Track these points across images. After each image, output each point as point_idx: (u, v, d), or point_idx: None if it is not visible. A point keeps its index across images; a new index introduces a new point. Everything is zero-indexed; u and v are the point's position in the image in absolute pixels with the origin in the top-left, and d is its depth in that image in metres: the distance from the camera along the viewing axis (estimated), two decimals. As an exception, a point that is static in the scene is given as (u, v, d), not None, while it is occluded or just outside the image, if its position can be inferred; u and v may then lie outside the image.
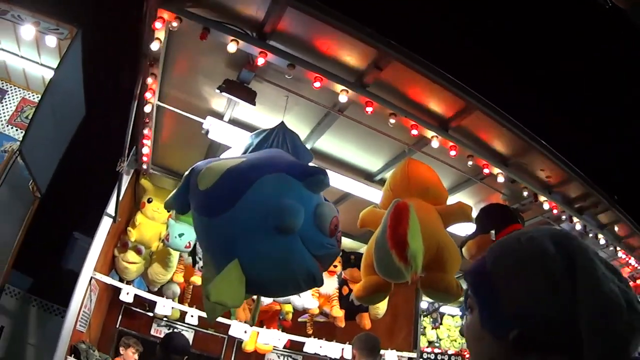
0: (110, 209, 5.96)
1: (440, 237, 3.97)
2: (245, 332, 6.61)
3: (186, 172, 3.62)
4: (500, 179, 5.16)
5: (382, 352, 7.11)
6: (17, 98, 10.26)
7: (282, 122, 4.19)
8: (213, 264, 3.20)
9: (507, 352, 1.09)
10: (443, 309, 8.55)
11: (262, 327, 7.04)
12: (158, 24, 3.76)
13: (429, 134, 4.68)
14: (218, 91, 4.34)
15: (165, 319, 7.77)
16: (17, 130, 9.99)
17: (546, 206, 5.59)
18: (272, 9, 3.87)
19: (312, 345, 7.03)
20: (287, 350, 8.21)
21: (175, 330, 7.86)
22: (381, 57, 4.19)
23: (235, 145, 4.35)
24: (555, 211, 5.68)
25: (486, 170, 5.08)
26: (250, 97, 4.36)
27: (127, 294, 6.13)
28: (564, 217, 5.82)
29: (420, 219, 3.43)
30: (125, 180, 6.08)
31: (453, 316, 8.74)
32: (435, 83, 4.37)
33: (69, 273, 16.72)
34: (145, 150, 5.67)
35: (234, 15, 4.00)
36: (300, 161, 3.77)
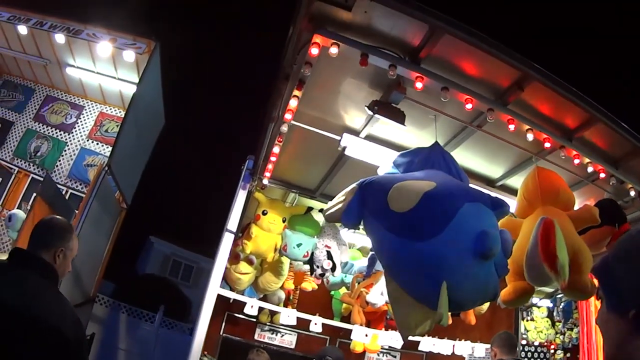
0: (232, 225, 6.17)
1: (575, 242, 4.25)
2: (367, 335, 6.86)
3: (352, 187, 3.87)
4: (613, 182, 5.45)
5: (486, 346, 7.43)
6: (95, 113, 10.52)
7: (437, 142, 4.43)
8: (406, 284, 3.41)
9: (629, 330, 1.26)
10: (533, 301, 8.74)
11: (368, 327, 7.30)
12: (314, 50, 4.00)
13: (558, 144, 4.98)
14: (368, 111, 4.58)
15: (269, 323, 8.02)
16: (97, 144, 10.26)
17: (650, 203, 5.84)
18: (429, 35, 4.14)
19: (426, 343, 7.30)
20: (385, 349, 8.41)
21: (280, 333, 8.11)
22: (524, 78, 4.49)
23: (382, 163, 4.61)
24: (657, 207, 5.93)
25: (602, 175, 5.37)
26: (400, 117, 4.60)
27: (252, 307, 6.33)
28: (665, 212, 6.08)
29: (560, 228, 3.81)
30: (243, 195, 6.31)
31: (539, 307, 8.90)
32: (567, 100, 4.67)
33: (154, 280, 17.15)
34: (270, 166, 5.89)
35: (385, 39, 4.24)
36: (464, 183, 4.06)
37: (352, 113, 5.26)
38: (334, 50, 3.99)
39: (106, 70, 9.47)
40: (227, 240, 6.14)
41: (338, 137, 5.28)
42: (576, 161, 5.13)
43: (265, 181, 6.28)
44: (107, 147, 10.09)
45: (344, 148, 5.24)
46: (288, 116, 4.85)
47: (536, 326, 8.83)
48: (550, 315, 8.94)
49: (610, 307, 1.36)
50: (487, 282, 3.32)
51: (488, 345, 7.59)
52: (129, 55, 8.50)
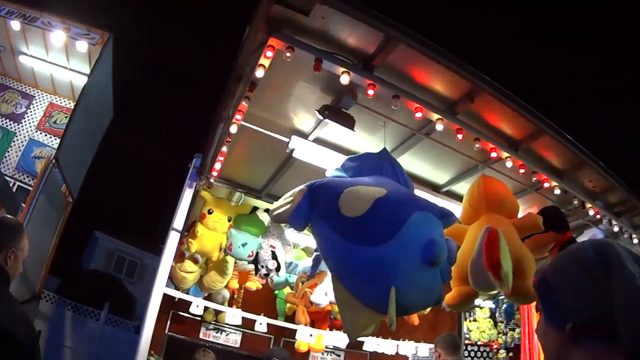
0: (178, 223, 6.08)
1: (518, 249, 4.39)
2: (311, 335, 6.88)
3: (300, 188, 3.85)
4: (557, 191, 5.61)
5: (430, 346, 7.57)
6: (44, 103, 10.19)
7: (385, 149, 4.47)
8: (355, 288, 3.41)
9: (567, 342, 1.33)
10: (475, 302, 8.92)
11: (313, 326, 7.34)
12: (269, 53, 3.98)
13: (504, 154, 5.08)
14: (319, 115, 4.58)
15: (213, 322, 7.96)
16: (46, 135, 9.96)
17: (591, 212, 6.06)
18: (384, 44, 4.16)
19: (370, 343, 7.34)
20: (329, 348, 8.43)
21: (224, 332, 8.06)
22: (475, 90, 4.59)
23: (330, 166, 4.62)
24: (598, 216, 6.14)
25: (546, 185, 5.53)
26: (349, 122, 4.63)
27: (197, 306, 6.25)
28: (604, 221, 6.31)
29: (504, 236, 3.92)
30: (189, 194, 6.23)
31: (481, 308, 9.09)
32: (516, 112, 4.81)
33: (99, 276, 16.77)
34: (218, 165, 5.81)
35: (340, 45, 4.25)
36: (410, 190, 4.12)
37: (302, 116, 5.26)
38: (288, 54, 3.96)
39: (58, 60, 9.18)
40: (173, 239, 5.99)
41: (287, 139, 5.26)
42: (521, 171, 5.25)
43: (212, 180, 6.19)
44: (56, 139, 9.80)
45: (292, 150, 5.23)
46: (238, 117, 4.79)
47: (479, 326, 9.02)
48: (492, 315, 9.15)
49: (549, 319, 1.44)
50: (432, 288, 3.42)
51: (432, 345, 7.72)
52: (82, 45, 8.28)
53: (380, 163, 4.24)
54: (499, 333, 8.87)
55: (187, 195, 6.15)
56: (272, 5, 3.83)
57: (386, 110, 4.72)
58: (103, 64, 8.64)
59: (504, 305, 8.84)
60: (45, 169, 7.97)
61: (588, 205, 6.03)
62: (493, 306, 9.12)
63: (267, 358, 5.51)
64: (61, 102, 10.19)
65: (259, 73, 4.18)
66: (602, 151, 6.19)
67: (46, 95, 10.25)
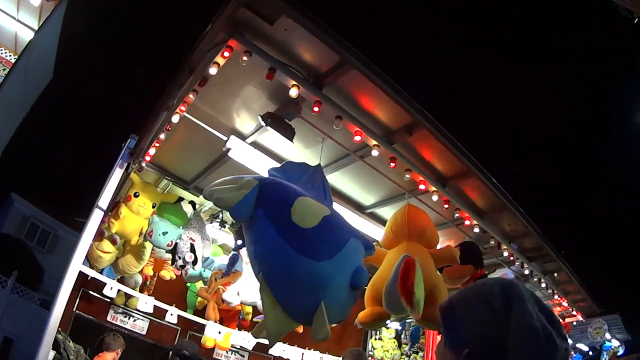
0: (103, 201, 5.97)
1: (432, 278, 4.61)
2: (220, 332, 6.89)
3: (247, 179, 3.75)
4: (476, 229, 5.88)
5: (336, 358, 7.72)
6: (-16, 51, 9.78)
7: (319, 164, 4.55)
8: (284, 293, 3.48)
9: None
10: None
11: (222, 324, 7.36)
12: (226, 53, 4.04)
13: (432, 188, 5.31)
14: (261, 121, 4.63)
15: (123, 306, 7.83)
16: (-20, 84, 9.57)
17: (505, 253, 6.37)
18: (338, 65, 4.27)
19: (277, 348, 7.39)
20: (235, 347, 8.45)
21: (132, 317, 7.94)
22: (415, 125, 4.79)
23: (262, 171, 4.69)
24: (511, 257, 6.46)
25: (467, 222, 5.79)
26: (289, 133, 4.70)
27: (111, 289, 6.19)
28: (517, 263, 6.66)
29: (420, 265, 4.04)
30: (118, 174, 6.13)
31: (387, 328, 9.30)
32: (449, 151, 5.05)
33: (9, 241, 16.01)
34: (152, 151, 5.76)
35: (296, 59, 4.33)
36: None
37: (244, 118, 5.32)
38: (245, 58, 4.01)
39: (7, 8, 8.83)
40: (96, 217, 5.87)
41: (225, 138, 5.27)
42: (445, 206, 5.48)
43: (143, 164, 6.11)
44: (-10, 91, 9.46)
45: (229, 150, 5.24)
46: (182, 108, 4.80)
47: (383, 345, 9.25)
48: (397, 336, 9.40)
49: (449, 343, 1.56)
50: (347, 307, 3.60)
51: (337, 358, 7.91)
52: (36, -2, 8.04)
53: (313, 177, 4.30)
54: (402, 354, 9.12)
55: (116, 174, 6.06)
56: (240, 9, 3.85)
57: (326, 127, 4.85)
58: (53, 22, 8.41)
59: (411, 329, 9.11)
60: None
61: (504, 246, 6.34)
62: (399, 327, 9.38)
63: (177, 351, 5.49)
64: (1, 53, 9.80)
65: (212, 70, 4.23)
66: (523, 198, 6.49)
67: (-13, 43, 9.86)
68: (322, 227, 3.51)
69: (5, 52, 9.74)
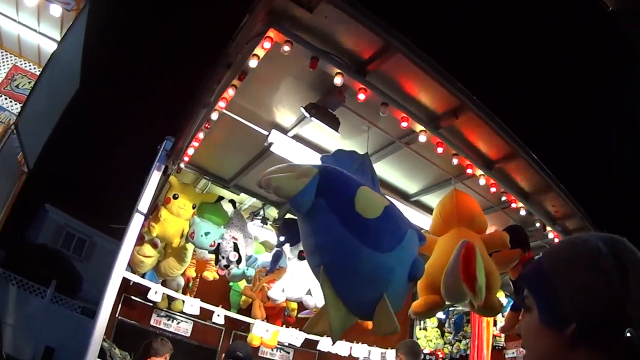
0: (143, 206, 5.94)
1: (487, 264, 4.49)
2: (267, 330, 6.85)
3: (307, 167, 3.59)
4: (522, 212, 5.76)
5: (382, 350, 7.64)
6: (8, 65, 9.87)
7: (367, 153, 4.46)
8: (347, 286, 3.37)
9: (563, 347, 1.22)
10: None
11: (267, 322, 7.29)
12: (267, 44, 3.93)
13: (478, 172, 5.21)
14: (305, 112, 4.55)
15: (166, 309, 7.84)
16: (6, 99, 9.64)
17: (550, 235, 6.26)
18: (381, 51, 4.16)
19: (325, 343, 7.35)
20: (281, 345, 8.40)
21: (176, 320, 7.95)
22: (460, 107, 4.65)
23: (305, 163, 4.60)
24: (556, 239, 6.33)
25: (513, 205, 5.69)
26: (335, 123, 4.61)
27: (156, 293, 6.15)
28: (562, 244, 6.55)
29: None
30: (156, 177, 6.10)
31: (431, 317, 9.24)
32: (496, 133, 4.92)
33: (47, 251, 16.20)
34: (191, 151, 5.71)
35: (337, 46, 4.23)
36: None
37: (284, 111, 5.22)
38: (286, 47, 3.90)
39: (28, 22, 8.93)
40: (136, 222, 5.83)
41: (266, 132, 5.23)
42: (492, 189, 5.38)
43: (182, 165, 6.07)
44: (16, 104, 9.53)
45: (271, 144, 5.19)
46: (222, 104, 4.72)
47: (426, 335, 9.18)
48: (440, 325, 9.32)
49: (544, 319, 1.30)
50: (403, 300, 3.53)
51: (383, 350, 7.84)
52: (56, 9, 8.08)
53: (362, 166, 4.22)
54: (445, 343, 9.04)
55: (154, 177, 6.02)
56: (278, -3, 3.76)
57: (371, 115, 4.76)
58: (75, 32, 8.42)
59: (454, 317, 9.02)
60: (4, 134, 7.72)
61: (548, 228, 6.21)
62: (443, 317, 9.29)
63: (230, 352, 5.47)
64: (26, 66, 9.88)
65: (252, 63, 4.12)
66: (567, 178, 6.38)
67: (11, 57, 9.93)
68: (384, 218, 3.43)
69: (29, 65, 9.83)
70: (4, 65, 9.83)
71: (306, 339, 7.13)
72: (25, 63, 9.86)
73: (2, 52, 9.87)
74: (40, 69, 9.52)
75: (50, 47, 8.97)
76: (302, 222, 3.64)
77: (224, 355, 5.42)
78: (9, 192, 8.93)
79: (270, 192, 3.48)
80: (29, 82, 9.64)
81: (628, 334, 1.13)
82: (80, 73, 9.77)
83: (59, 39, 8.67)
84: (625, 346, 1.13)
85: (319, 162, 4.01)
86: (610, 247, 1.26)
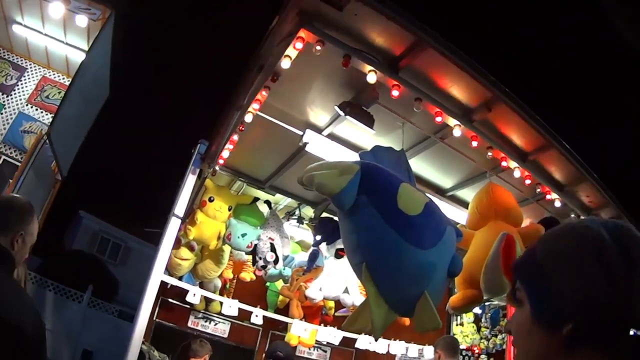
0: (179, 209, 6.02)
1: None
2: (306, 330, 6.89)
3: (348, 164, 3.61)
4: (557, 204, 5.74)
5: (420, 347, 7.63)
6: (37, 76, 10.04)
7: (403, 150, 4.47)
8: (390, 283, 3.38)
9: (559, 348, 1.06)
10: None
11: (301, 320, 7.30)
12: (299, 44, 3.96)
13: (513, 164, 5.20)
14: (339, 111, 4.59)
15: (203, 311, 7.93)
16: (37, 109, 9.80)
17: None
18: (413, 46, 4.17)
19: (363, 341, 7.33)
20: (319, 343, 8.45)
21: (213, 322, 8.04)
22: (493, 100, 4.64)
23: (341, 157, 4.64)
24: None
25: (548, 197, 5.67)
26: (369, 121, 4.64)
27: (194, 295, 6.20)
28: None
29: None
30: (192, 180, 6.18)
31: (467, 313, 9.20)
32: (529, 125, 4.89)
33: (82, 256, 16.50)
34: (226, 154, 5.78)
35: (368, 43, 4.24)
36: None
37: (317, 111, 5.27)
38: (318, 47, 3.94)
39: (55, 33, 9.06)
40: (173, 226, 5.95)
41: (300, 132, 5.28)
42: (527, 181, 5.35)
43: (217, 167, 6.16)
44: (47, 114, 9.69)
45: (306, 144, 5.24)
46: (256, 106, 4.78)
47: (462, 330, 9.13)
48: (476, 320, 9.26)
49: (538, 316, 1.14)
50: (442, 296, 3.56)
51: (420, 347, 7.84)
52: (82, 20, 8.18)
53: (399, 162, 4.23)
54: (481, 338, 8.98)
55: (189, 181, 6.11)
56: (307, -3, 3.78)
57: (404, 111, 4.79)
58: (102, 41, 8.54)
59: (491, 311, 8.96)
60: (37, 144, 7.86)
61: (582, 219, 6.17)
62: (479, 312, 9.23)
63: (271, 353, 5.51)
64: (54, 77, 10.04)
65: (285, 64, 4.15)
66: (600, 167, 6.34)
67: (39, 69, 10.10)
68: (425, 214, 3.43)
69: (59, 76, 9.99)
70: (33, 77, 10.00)
71: (344, 337, 7.12)
72: (53, 74, 10.03)
73: (30, 64, 10.05)
74: (69, 79, 9.69)
75: (77, 57, 9.11)
76: (343, 220, 3.64)
77: (264, 355, 5.45)
78: (44, 200, 9.10)
79: (312, 190, 3.47)
80: (59, 92, 9.80)
81: (633, 335, 1.02)
82: (110, 80, 9.93)
83: (86, 48, 8.78)
84: (630, 348, 1.01)
85: (358, 159, 4.02)
86: (614, 235, 1.10)
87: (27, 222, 2.40)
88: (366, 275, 3.40)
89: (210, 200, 6.49)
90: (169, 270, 6.81)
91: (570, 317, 1.04)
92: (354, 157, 4.73)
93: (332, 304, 7.75)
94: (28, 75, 9.95)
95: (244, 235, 6.41)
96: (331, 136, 5.51)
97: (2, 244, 2.26)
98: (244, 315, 6.94)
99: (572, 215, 6.08)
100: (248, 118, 4.97)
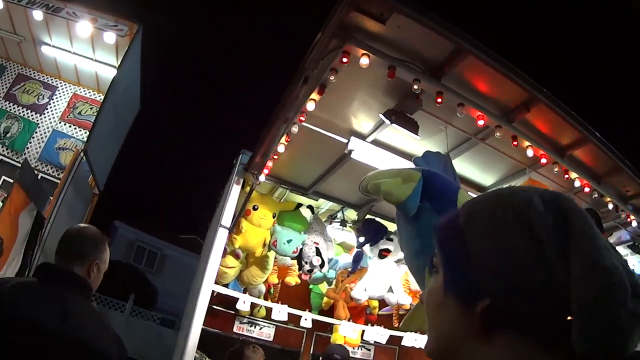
0: (225, 220, 6.20)
1: None
2: (354, 330, 7.05)
3: (410, 172, 3.75)
4: (595, 195, 5.87)
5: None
6: (68, 94, 10.26)
7: (448, 154, 4.63)
8: None
9: (472, 327, 0.89)
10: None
11: (349, 321, 7.49)
12: (345, 59, 4.13)
13: (552, 160, 5.32)
14: (384, 119, 4.73)
15: (248, 316, 8.11)
16: (70, 126, 10.03)
17: (622, 215, 6.32)
18: (454, 54, 4.35)
19: (409, 339, 7.42)
20: (363, 343, 8.57)
21: (258, 326, 8.21)
22: (531, 100, 4.80)
23: (384, 166, 4.79)
24: (628, 219, 6.39)
25: (586, 189, 5.77)
26: (414, 127, 4.78)
27: (244, 302, 6.41)
28: (634, 223, 6.57)
29: None
30: (236, 190, 6.34)
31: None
32: (566, 122, 5.04)
33: (120, 266, 16.76)
34: (270, 164, 5.94)
35: (411, 53, 4.41)
36: None
37: (361, 118, 5.43)
38: (364, 60, 4.10)
39: (83, 51, 9.24)
40: (221, 236, 6.15)
41: (344, 140, 5.45)
42: (566, 176, 5.49)
43: (262, 178, 6.26)
44: (80, 130, 9.91)
45: (351, 151, 5.39)
46: (302, 118, 4.98)
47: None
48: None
49: (451, 287, 0.97)
50: None
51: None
52: (110, 37, 8.35)
53: (447, 167, 4.38)
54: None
55: (234, 191, 6.28)
56: (351, 12, 3.94)
57: (446, 115, 4.96)
58: (131, 56, 8.71)
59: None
60: (74, 160, 8.07)
61: (620, 208, 6.28)
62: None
63: (327, 355, 5.66)
64: (85, 93, 10.26)
65: (331, 77, 4.35)
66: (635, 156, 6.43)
67: (69, 86, 10.31)
68: None
69: (89, 92, 10.20)
70: (64, 95, 10.22)
71: (390, 336, 7.28)
72: (84, 90, 10.24)
73: (61, 83, 10.27)
74: (99, 95, 9.91)
75: (107, 73, 9.30)
76: (405, 225, 3.77)
77: (320, 357, 5.60)
78: (84, 214, 9.31)
79: (378, 197, 3.63)
80: (90, 108, 10.01)
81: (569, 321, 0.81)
82: (141, 94, 10.15)
83: (115, 64, 8.98)
84: (567, 337, 0.81)
85: (410, 165, 4.18)
86: (549, 203, 0.92)
87: (100, 251, 2.54)
88: (429, 278, 3.57)
89: (255, 208, 6.66)
90: (215, 278, 6.98)
91: (486, 291, 0.87)
92: (399, 161, 4.93)
93: (376, 303, 7.91)
94: (59, 93, 10.19)
95: (289, 241, 6.59)
96: (375, 142, 5.67)
97: (79, 273, 2.38)
98: (294, 319, 7.12)
99: (610, 206, 6.18)
100: (294, 129, 5.14)
